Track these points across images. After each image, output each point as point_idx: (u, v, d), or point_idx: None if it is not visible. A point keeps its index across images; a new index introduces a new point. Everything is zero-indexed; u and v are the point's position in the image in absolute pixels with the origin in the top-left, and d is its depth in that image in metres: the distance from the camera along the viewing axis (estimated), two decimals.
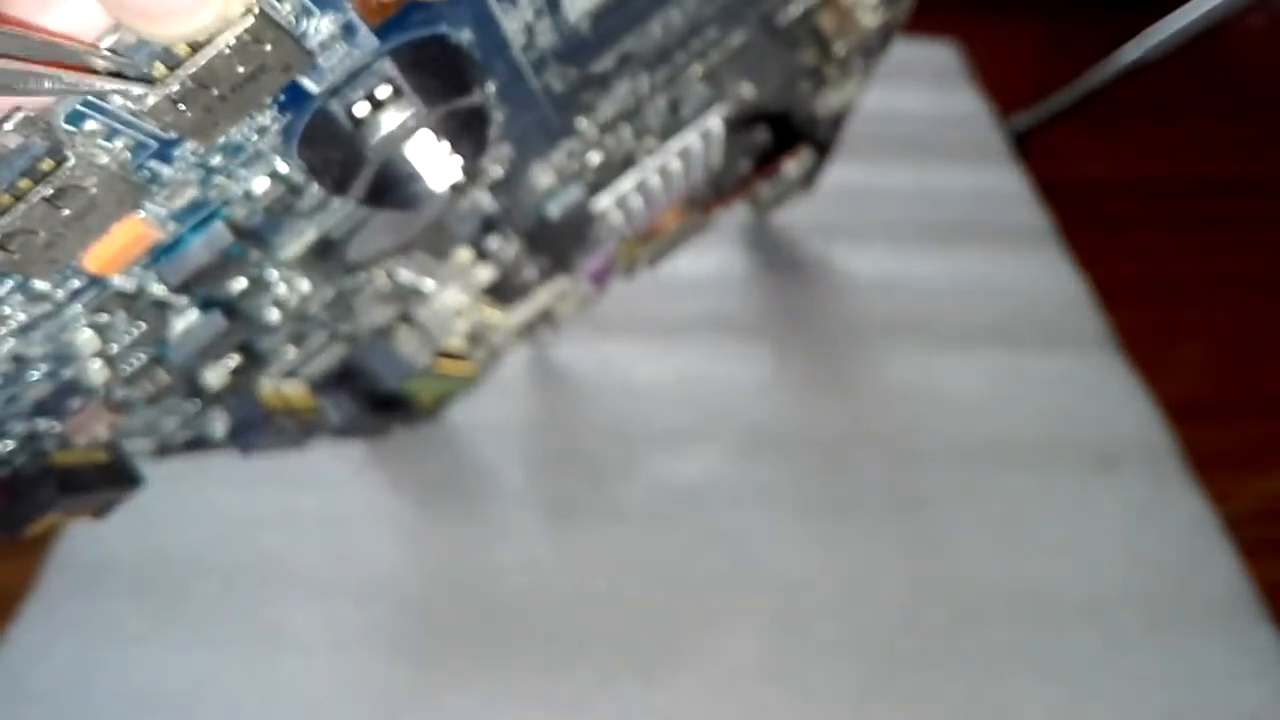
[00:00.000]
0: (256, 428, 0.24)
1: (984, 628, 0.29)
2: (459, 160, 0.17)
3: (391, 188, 0.16)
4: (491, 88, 0.18)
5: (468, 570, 0.30)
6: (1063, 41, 0.60)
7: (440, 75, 0.15)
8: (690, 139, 0.26)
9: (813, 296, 0.40)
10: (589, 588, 0.30)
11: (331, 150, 0.15)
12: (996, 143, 0.48)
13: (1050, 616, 0.30)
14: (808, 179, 0.38)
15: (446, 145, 0.16)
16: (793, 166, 0.35)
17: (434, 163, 0.16)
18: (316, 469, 0.32)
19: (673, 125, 0.26)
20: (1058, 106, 0.49)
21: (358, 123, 0.15)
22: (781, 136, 0.31)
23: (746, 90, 0.27)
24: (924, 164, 0.45)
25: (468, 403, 0.35)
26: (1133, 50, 0.47)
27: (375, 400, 0.29)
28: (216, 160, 0.15)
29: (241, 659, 0.28)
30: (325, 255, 0.20)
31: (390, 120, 0.15)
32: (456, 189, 0.18)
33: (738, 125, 0.29)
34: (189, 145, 0.14)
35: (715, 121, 0.26)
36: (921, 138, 0.47)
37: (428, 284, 0.24)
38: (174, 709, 0.27)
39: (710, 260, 0.40)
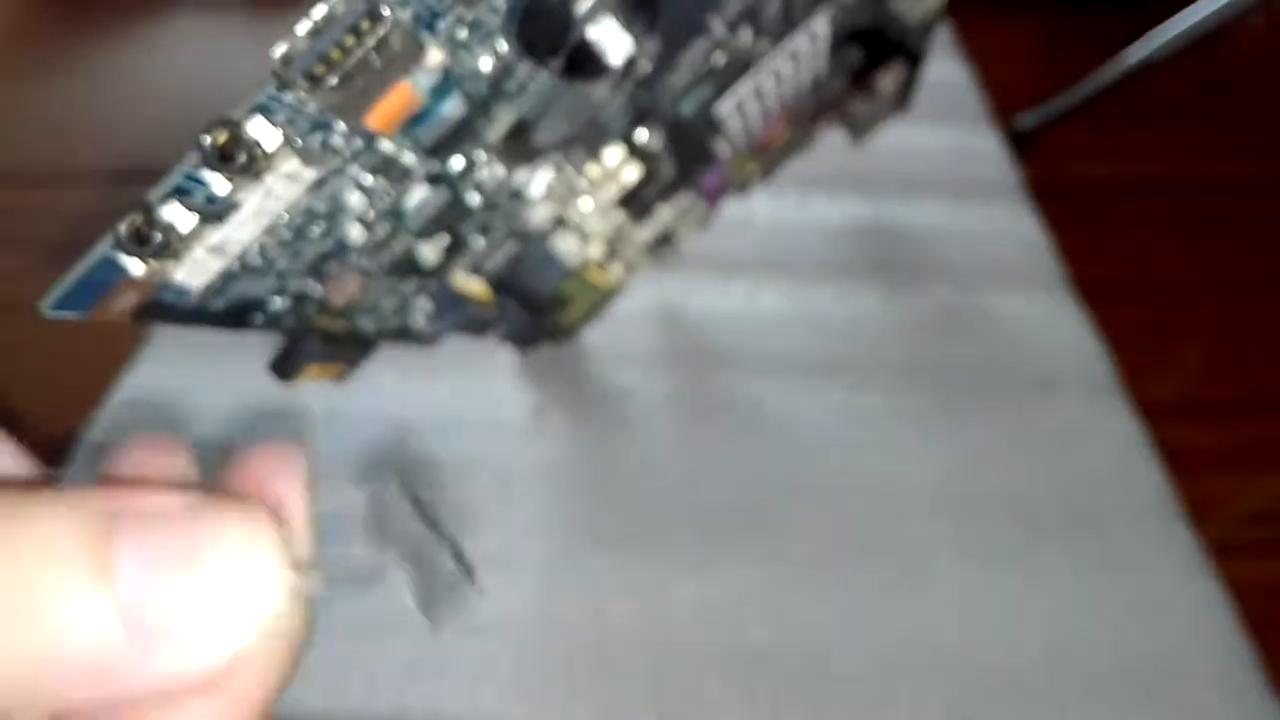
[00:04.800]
0: (452, 309, 0.30)
1: (914, 520, 0.32)
2: (630, 39, 0.22)
3: (582, 63, 0.22)
4: None
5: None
6: (1065, 43, 0.61)
7: None
8: (799, 42, 0.30)
9: (792, 239, 0.43)
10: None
11: (543, 24, 0.21)
12: (973, 105, 0.51)
13: (976, 512, 0.32)
14: (902, 96, 0.40)
15: (622, 27, 0.22)
16: (888, 81, 0.37)
17: (613, 41, 0.22)
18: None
19: (784, 28, 0.29)
20: (1060, 108, 0.50)
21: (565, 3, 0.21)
22: (875, 52, 0.35)
23: None
24: (904, 123, 0.47)
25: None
26: (1135, 52, 0.48)
27: (533, 308, 0.33)
28: (464, 35, 0.20)
29: None
30: (518, 139, 0.25)
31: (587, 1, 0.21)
32: (623, 74, 0.24)
33: (836, 43, 0.32)
34: (448, 19, 0.19)
35: (821, 23, 0.30)
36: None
37: (582, 184, 0.29)
38: None
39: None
